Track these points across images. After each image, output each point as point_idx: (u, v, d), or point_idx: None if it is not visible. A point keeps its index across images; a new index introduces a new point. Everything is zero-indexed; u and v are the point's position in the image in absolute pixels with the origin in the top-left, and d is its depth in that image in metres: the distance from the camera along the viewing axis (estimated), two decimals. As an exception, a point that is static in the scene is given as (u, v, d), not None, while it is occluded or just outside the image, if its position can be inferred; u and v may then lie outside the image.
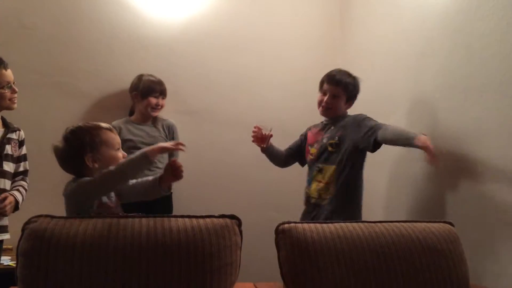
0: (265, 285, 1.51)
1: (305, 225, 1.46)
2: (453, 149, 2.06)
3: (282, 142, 3.09)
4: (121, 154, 1.68)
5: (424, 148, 1.87)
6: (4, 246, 2.49)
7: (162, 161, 2.73)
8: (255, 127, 2.41)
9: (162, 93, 2.77)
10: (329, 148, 2.24)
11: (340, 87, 2.25)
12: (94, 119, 2.82)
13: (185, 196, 2.86)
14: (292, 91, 3.15)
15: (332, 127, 2.30)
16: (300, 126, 3.05)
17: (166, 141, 2.77)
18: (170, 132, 2.82)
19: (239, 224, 1.39)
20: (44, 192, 2.72)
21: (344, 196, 2.19)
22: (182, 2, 3.04)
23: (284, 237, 1.44)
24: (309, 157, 2.36)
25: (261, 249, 2.59)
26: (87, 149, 1.60)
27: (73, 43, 2.84)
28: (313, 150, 2.33)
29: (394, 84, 2.57)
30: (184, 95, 3.02)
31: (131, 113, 2.83)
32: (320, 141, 2.30)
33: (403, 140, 2.00)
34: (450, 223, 1.59)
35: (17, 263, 1.26)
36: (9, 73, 2.14)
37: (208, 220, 1.36)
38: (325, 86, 2.29)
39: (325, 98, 2.27)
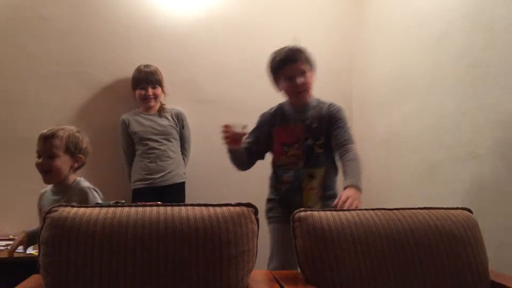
0: (282, 273, 1.51)
1: (322, 213, 1.46)
2: (471, 134, 2.03)
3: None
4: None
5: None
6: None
7: (174, 149, 2.76)
8: (224, 126, 1.93)
9: (150, 82, 2.75)
10: (317, 150, 2.00)
11: (300, 61, 1.97)
12: (111, 108, 2.89)
13: (199, 185, 2.89)
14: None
15: (307, 121, 2.01)
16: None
17: (176, 129, 2.80)
18: (180, 120, 2.84)
19: (256, 212, 1.39)
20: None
21: (331, 193, 2.05)
22: (197, -10, 3.04)
23: (300, 225, 1.45)
24: (287, 160, 2.03)
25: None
26: None
27: (90, 33, 2.87)
28: (293, 152, 2.01)
29: (412, 67, 2.54)
30: (199, 83, 3.02)
31: (139, 105, 2.86)
32: (301, 142, 2.00)
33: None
34: (469, 210, 1.57)
35: (39, 252, 1.29)
36: None
37: (224, 208, 1.36)
38: (286, 70, 1.98)
39: (297, 80, 1.95)
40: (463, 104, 2.11)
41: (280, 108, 2.10)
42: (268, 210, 2.11)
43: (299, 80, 1.95)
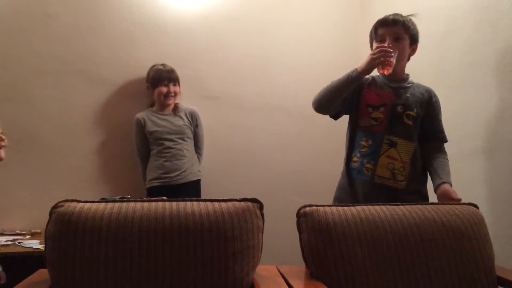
0: (287, 268, 1.51)
1: (327, 208, 1.46)
2: (477, 129, 2.02)
3: (302, 126, 3.09)
4: None
5: (443, 201, 1.72)
6: (32, 230, 2.58)
7: (189, 148, 2.77)
8: (381, 46, 1.77)
9: (172, 80, 2.77)
10: (406, 120, 1.85)
11: (399, 26, 1.84)
12: (116, 105, 2.89)
13: (206, 181, 2.89)
14: (312, 74, 3.11)
15: (403, 92, 1.89)
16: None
17: (191, 128, 2.80)
18: (194, 119, 2.84)
19: (261, 207, 1.39)
20: (67, 177, 2.79)
21: (418, 180, 1.89)
22: (201, -13, 3.04)
23: (305, 220, 1.45)
24: (370, 122, 1.89)
25: (283, 233, 2.60)
26: None
27: (94, 30, 2.87)
28: (377, 115, 1.88)
29: (417, 63, 2.51)
30: (204, 79, 3.02)
31: (152, 104, 2.87)
32: (390, 106, 1.86)
33: (433, 177, 1.83)
34: (475, 205, 1.56)
35: (45, 246, 1.30)
36: None
37: (230, 203, 1.36)
38: (381, 30, 1.87)
39: (388, 41, 1.83)
40: (468, 99, 2.10)
41: (372, 77, 1.96)
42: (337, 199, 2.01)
43: (388, 43, 1.82)
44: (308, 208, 1.46)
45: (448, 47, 2.24)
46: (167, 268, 1.26)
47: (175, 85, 2.79)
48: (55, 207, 1.33)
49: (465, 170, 2.10)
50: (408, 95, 1.88)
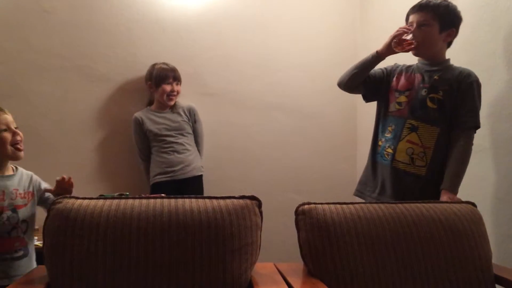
0: (285, 266, 1.52)
1: (325, 206, 1.46)
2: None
3: (300, 124, 3.09)
4: (8, 135, 1.68)
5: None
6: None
7: (190, 143, 2.77)
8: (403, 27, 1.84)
9: (176, 79, 2.78)
10: (429, 104, 1.81)
11: (426, 12, 1.81)
12: (114, 102, 2.89)
13: (205, 178, 2.88)
14: (311, 72, 3.12)
15: (432, 74, 1.85)
16: (319, 108, 3.04)
17: (189, 124, 2.81)
18: (192, 115, 2.84)
19: (259, 205, 1.39)
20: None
21: (439, 168, 1.81)
22: (199, -16, 3.03)
23: (304, 218, 1.45)
24: (395, 107, 1.89)
25: (281, 230, 2.61)
26: None
27: (92, 26, 2.86)
28: (402, 99, 1.87)
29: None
30: (203, 77, 3.02)
31: (150, 103, 2.86)
32: (415, 90, 1.85)
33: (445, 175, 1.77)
34: (473, 204, 1.57)
35: (43, 243, 1.29)
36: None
37: (228, 201, 1.37)
38: (411, 17, 1.86)
39: (413, 27, 1.84)
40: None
41: (409, 65, 1.98)
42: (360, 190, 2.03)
43: (413, 31, 1.83)
44: (306, 206, 1.46)
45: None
46: (165, 265, 1.26)
47: (178, 84, 2.79)
48: (53, 203, 1.33)
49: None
50: (436, 77, 1.84)
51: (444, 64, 1.88)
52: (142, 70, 2.86)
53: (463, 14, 2.11)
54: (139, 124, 2.76)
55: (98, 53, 2.87)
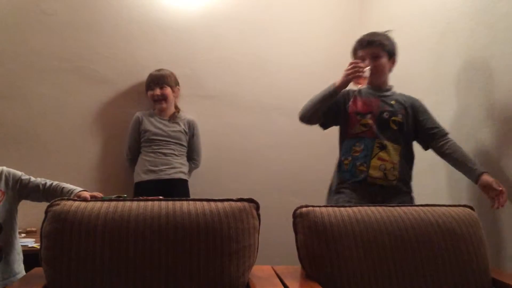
0: (283, 268, 1.52)
1: (323, 209, 1.46)
2: (474, 131, 2.03)
3: (298, 126, 3.08)
4: None
5: (488, 192, 1.80)
6: (28, 229, 2.57)
7: (181, 151, 2.77)
8: (353, 62, 1.98)
9: (159, 83, 2.78)
10: (392, 125, 2.00)
11: (376, 46, 2.04)
12: (113, 103, 2.89)
13: (203, 180, 2.89)
14: (310, 74, 3.11)
15: (389, 100, 2.05)
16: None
17: (186, 137, 2.81)
18: (191, 128, 2.84)
19: (257, 207, 1.39)
20: (63, 175, 2.78)
21: (403, 177, 2.03)
22: (199, -14, 3.03)
23: (301, 221, 1.45)
24: (360, 129, 2.04)
25: (279, 233, 2.60)
26: None
27: (92, 28, 2.86)
28: (366, 121, 2.02)
29: (414, 65, 2.53)
30: (202, 79, 3.02)
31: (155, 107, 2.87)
32: (376, 114, 2.02)
33: (465, 171, 1.92)
34: (471, 207, 1.57)
35: (41, 245, 1.29)
36: None
37: (226, 203, 1.37)
38: (361, 52, 2.07)
39: (366, 62, 2.02)
40: (465, 101, 2.11)
41: (359, 89, 2.11)
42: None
43: (368, 62, 2.01)
44: (304, 209, 1.46)
45: (445, 49, 2.24)
46: (163, 267, 1.26)
47: (162, 87, 2.78)
48: (51, 205, 1.33)
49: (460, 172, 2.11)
50: (393, 102, 2.05)
51: (393, 90, 2.11)
52: (141, 72, 2.86)
53: (462, 18, 2.12)
54: (138, 122, 2.78)
55: (98, 55, 2.87)
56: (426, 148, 2.08)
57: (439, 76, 2.30)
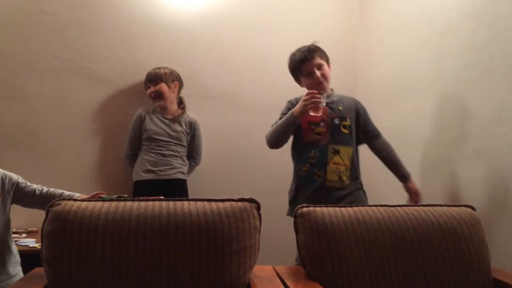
0: (284, 268, 1.52)
1: (324, 209, 1.46)
2: (474, 131, 2.03)
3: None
4: None
5: (412, 195, 2.14)
6: (29, 229, 2.57)
7: (181, 152, 2.77)
8: (311, 92, 2.04)
9: (152, 81, 2.78)
10: (343, 130, 2.14)
11: (316, 56, 2.19)
12: (113, 103, 2.89)
13: (203, 180, 2.89)
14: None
15: (335, 106, 2.18)
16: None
17: (187, 137, 2.81)
18: (192, 128, 2.84)
19: (258, 207, 1.39)
20: (64, 175, 2.78)
21: (357, 178, 2.21)
22: (199, -14, 3.03)
23: (302, 221, 1.45)
24: (315, 137, 2.16)
25: (280, 233, 2.60)
26: None
27: (92, 28, 2.86)
28: (320, 130, 2.15)
29: (414, 65, 2.53)
30: (202, 79, 3.02)
31: None
32: (327, 121, 2.15)
33: (394, 169, 2.20)
34: (472, 207, 1.57)
35: (41, 245, 1.29)
36: None
37: (227, 203, 1.36)
38: (305, 67, 2.19)
39: (316, 73, 2.17)
40: (466, 101, 2.11)
41: None
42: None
43: (318, 73, 2.17)
44: (305, 209, 1.46)
45: (446, 49, 2.24)
46: (164, 267, 1.26)
47: (156, 84, 2.77)
48: (51, 205, 1.32)
49: (462, 172, 2.11)
50: (340, 108, 2.18)
51: (336, 94, 2.25)
52: (141, 72, 2.86)
53: (462, 18, 2.12)
54: (140, 120, 2.78)
55: (98, 55, 2.87)
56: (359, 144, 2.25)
57: (439, 75, 2.30)
